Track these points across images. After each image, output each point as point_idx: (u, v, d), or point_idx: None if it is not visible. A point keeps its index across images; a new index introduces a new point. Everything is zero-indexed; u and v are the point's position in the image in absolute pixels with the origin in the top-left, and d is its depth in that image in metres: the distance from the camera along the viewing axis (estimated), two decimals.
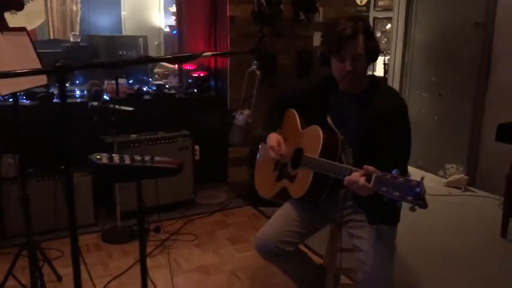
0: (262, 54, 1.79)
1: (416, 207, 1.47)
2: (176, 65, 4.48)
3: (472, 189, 4.33)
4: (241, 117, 1.79)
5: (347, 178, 1.66)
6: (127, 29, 5.95)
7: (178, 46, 4.48)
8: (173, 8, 5.19)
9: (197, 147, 3.94)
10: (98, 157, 1.54)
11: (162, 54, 5.73)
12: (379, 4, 5.74)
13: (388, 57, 5.30)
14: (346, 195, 2.01)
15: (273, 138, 2.11)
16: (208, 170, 4.04)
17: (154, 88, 4.07)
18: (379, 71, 5.41)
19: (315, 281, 2.18)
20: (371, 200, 1.70)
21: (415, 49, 4.91)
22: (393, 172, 1.52)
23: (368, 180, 1.59)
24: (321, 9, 4.06)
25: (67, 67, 1.37)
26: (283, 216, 2.06)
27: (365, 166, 1.62)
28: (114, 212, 3.28)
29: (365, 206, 1.95)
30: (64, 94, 1.38)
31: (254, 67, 1.83)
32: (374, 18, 5.84)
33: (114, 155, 1.56)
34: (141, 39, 4.49)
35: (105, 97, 3.56)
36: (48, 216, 3.16)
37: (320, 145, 1.94)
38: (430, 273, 2.87)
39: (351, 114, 1.98)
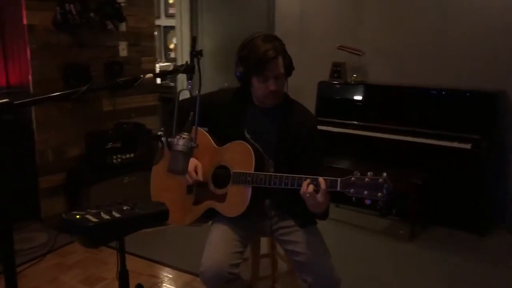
0: (198, 72, 1.66)
1: (380, 203, 1.67)
2: None
3: None
4: (182, 141, 1.60)
5: (304, 190, 1.71)
6: None
7: None
8: None
9: None
10: (78, 217, 1.18)
11: None
12: (170, 12, 5.73)
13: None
14: (271, 204, 2.06)
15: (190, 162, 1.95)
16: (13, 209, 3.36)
17: None
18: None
19: None
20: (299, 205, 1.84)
21: (205, 56, 5.14)
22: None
23: (316, 187, 1.69)
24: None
25: None
26: (222, 239, 1.94)
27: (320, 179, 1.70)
28: None
29: (292, 212, 2.03)
30: None
31: (190, 87, 1.67)
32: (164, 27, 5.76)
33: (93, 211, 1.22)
34: None
35: None
36: None
37: (253, 159, 1.92)
38: None
39: (270, 128, 2.02)
